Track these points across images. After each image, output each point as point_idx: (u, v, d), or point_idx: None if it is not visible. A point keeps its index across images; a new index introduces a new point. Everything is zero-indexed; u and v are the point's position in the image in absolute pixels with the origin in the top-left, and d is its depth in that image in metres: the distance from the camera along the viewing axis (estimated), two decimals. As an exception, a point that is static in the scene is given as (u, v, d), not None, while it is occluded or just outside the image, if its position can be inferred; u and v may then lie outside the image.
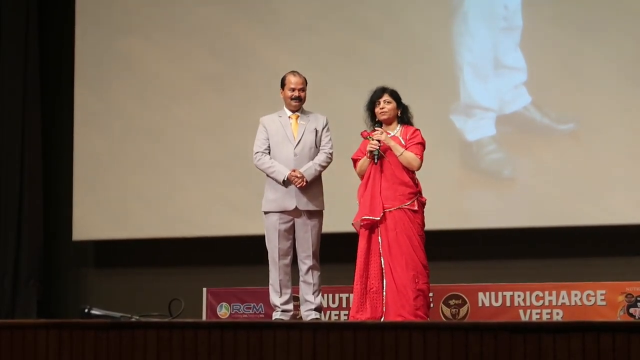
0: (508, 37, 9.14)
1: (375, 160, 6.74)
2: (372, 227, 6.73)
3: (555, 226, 8.91)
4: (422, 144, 6.81)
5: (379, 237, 6.70)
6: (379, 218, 6.68)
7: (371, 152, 6.74)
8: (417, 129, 6.86)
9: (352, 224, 6.83)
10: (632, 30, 8.82)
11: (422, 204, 6.79)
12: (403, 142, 6.77)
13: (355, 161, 6.91)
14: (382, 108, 6.83)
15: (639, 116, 8.77)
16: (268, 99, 8.48)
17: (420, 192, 6.81)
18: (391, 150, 6.74)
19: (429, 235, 6.82)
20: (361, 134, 6.90)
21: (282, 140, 7.10)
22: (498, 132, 9.10)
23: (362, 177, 6.85)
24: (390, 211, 6.69)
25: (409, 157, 6.74)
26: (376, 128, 6.82)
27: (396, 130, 6.85)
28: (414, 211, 6.71)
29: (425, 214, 6.81)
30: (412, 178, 6.79)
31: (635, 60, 8.79)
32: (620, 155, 8.78)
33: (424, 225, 6.78)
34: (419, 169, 6.80)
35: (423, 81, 9.11)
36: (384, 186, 6.73)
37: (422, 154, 6.79)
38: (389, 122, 6.86)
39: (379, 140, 6.72)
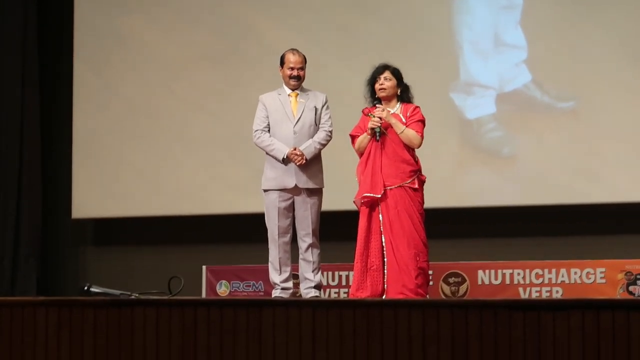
0: (508, 14, 9.11)
1: (377, 138, 6.70)
2: (372, 204, 6.71)
3: (555, 204, 8.91)
4: (423, 121, 6.78)
5: (380, 215, 6.69)
6: (380, 195, 6.66)
7: (372, 129, 6.71)
8: (417, 106, 6.83)
9: (354, 201, 6.83)
10: (633, 7, 8.79)
11: (422, 182, 6.78)
12: (403, 120, 6.75)
13: (353, 138, 6.88)
14: (382, 84, 6.80)
15: (639, 94, 8.75)
16: (267, 76, 8.45)
17: (420, 170, 6.79)
18: (392, 127, 6.72)
19: (428, 214, 6.81)
20: (362, 111, 6.88)
21: (282, 118, 7.08)
22: (498, 110, 9.08)
23: (360, 154, 6.83)
24: (391, 189, 6.67)
25: (410, 134, 6.71)
26: (377, 105, 6.80)
27: (396, 107, 6.83)
28: (415, 189, 6.70)
29: (424, 192, 6.80)
30: (413, 156, 6.77)
31: (636, 37, 8.76)
32: (621, 133, 8.76)
33: (423, 203, 6.77)
34: (419, 146, 6.78)
35: (423, 59, 9.08)
36: (385, 163, 6.70)
37: (423, 132, 6.77)
38: (388, 100, 6.83)
39: (380, 118, 6.70)
